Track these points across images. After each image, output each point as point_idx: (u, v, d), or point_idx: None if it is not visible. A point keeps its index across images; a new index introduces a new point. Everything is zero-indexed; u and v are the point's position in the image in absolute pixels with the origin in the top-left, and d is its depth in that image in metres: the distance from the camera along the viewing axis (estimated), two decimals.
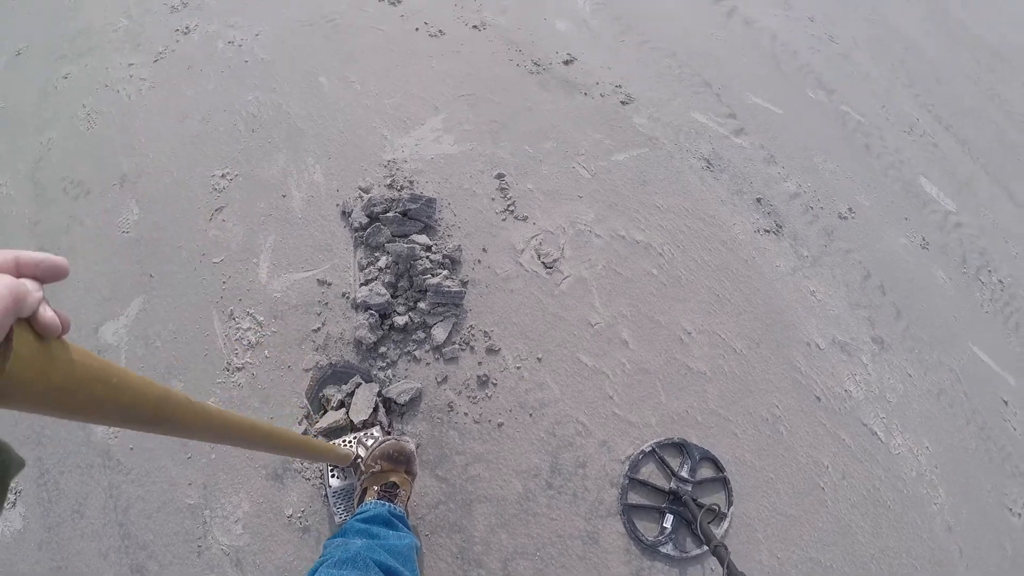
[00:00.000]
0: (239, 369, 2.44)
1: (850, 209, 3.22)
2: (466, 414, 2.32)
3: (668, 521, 2.26)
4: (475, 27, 3.54)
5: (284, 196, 2.82)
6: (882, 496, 2.47)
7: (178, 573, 2.22)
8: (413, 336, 2.39)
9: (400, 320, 2.38)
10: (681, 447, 2.36)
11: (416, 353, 2.39)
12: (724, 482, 2.36)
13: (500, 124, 3.05)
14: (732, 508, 2.32)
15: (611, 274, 2.65)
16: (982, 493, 2.62)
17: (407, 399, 2.29)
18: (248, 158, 3.00)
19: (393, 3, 3.66)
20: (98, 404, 0.64)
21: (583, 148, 3.02)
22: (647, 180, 2.98)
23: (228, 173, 2.95)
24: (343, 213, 2.72)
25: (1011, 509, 2.64)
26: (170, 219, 2.86)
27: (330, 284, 2.56)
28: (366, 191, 2.73)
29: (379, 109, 3.11)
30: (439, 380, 2.35)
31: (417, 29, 3.53)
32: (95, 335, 2.63)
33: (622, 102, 3.30)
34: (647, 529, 2.26)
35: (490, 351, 2.40)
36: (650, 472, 2.35)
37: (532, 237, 2.67)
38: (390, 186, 2.75)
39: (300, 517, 2.24)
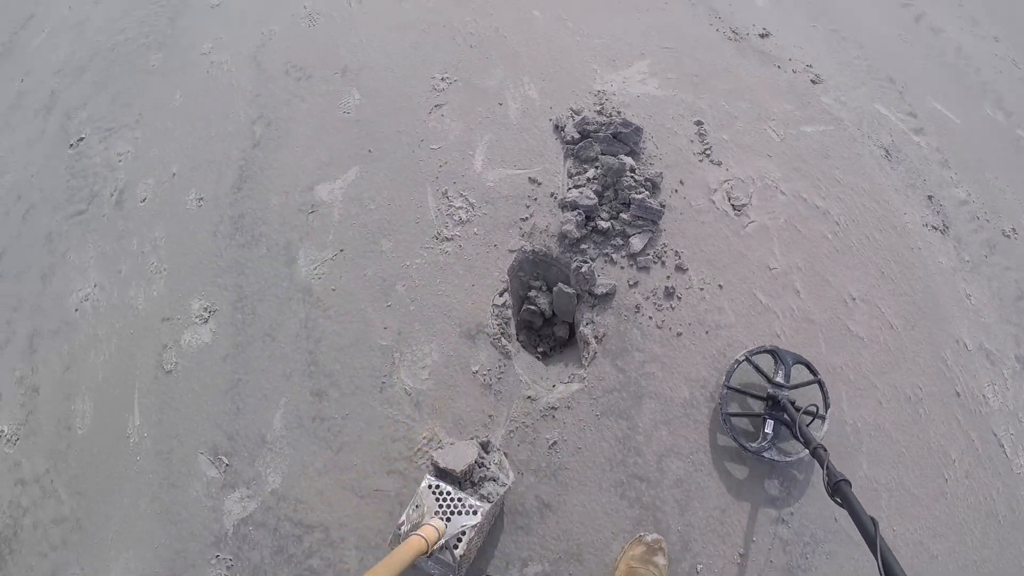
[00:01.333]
0: (448, 240, 2.74)
1: (1014, 229, 3.33)
2: (650, 318, 2.56)
3: (769, 427, 2.35)
4: None
5: (500, 104, 3.12)
6: (996, 508, 2.55)
7: (358, 402, 2.50)
8: (612, 241, 2.65)
9: (603, 224, 2.64)
10: (773, 353, 2.45)
11: (613, 256, 2.64)
12: (819, 385, 2.44)
13: (700, 79, 3.29)
14: (831, 410, 2.41)
15: (791, 229, 2.86)
16: None
17: (603, 292, 2.55)
18: (467, 67, 3.31)
19: None
20: None
21: (774, 114, 3.23)
22: (830, 155, 3.17)
23: (448, 77, 3.27)
24: (555, 127, 3.00)
25: None
26: (391, 108, 3.19)
27: (540, 183, 2.83)
28: (577, 112, 3.01)
29: (589, 46, 3.38)
30: (630, 283, 2.60)
31: None
32: (311, 192, 2.97)
33: (812, 81, 3.49)
34: (750, 436, 2.40)
35: (679, 268, 2.64)
36: (747, 382, 2.49)
37: (724, 181, 2.90)
38: (600, 112, 3.02)
39: (485, 375, 2.50)
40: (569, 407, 2.43)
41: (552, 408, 2.43)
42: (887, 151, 3.29)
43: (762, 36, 3.58)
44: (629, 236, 2.62)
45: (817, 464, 2.02)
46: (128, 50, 3.97)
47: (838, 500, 1.67)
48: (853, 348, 2.66)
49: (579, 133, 2.84)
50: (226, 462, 2.49)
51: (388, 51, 3.37)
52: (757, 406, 2.42)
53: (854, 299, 2.75)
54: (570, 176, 2.76)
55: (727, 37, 3.55)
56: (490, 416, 2.43)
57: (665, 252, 2.65)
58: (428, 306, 2.64)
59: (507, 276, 2.61)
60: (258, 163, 3.15)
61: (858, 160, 3.20)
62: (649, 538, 2.21)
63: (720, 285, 2.63)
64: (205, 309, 2.80)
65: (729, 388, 2.42)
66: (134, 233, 3.11)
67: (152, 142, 3.41)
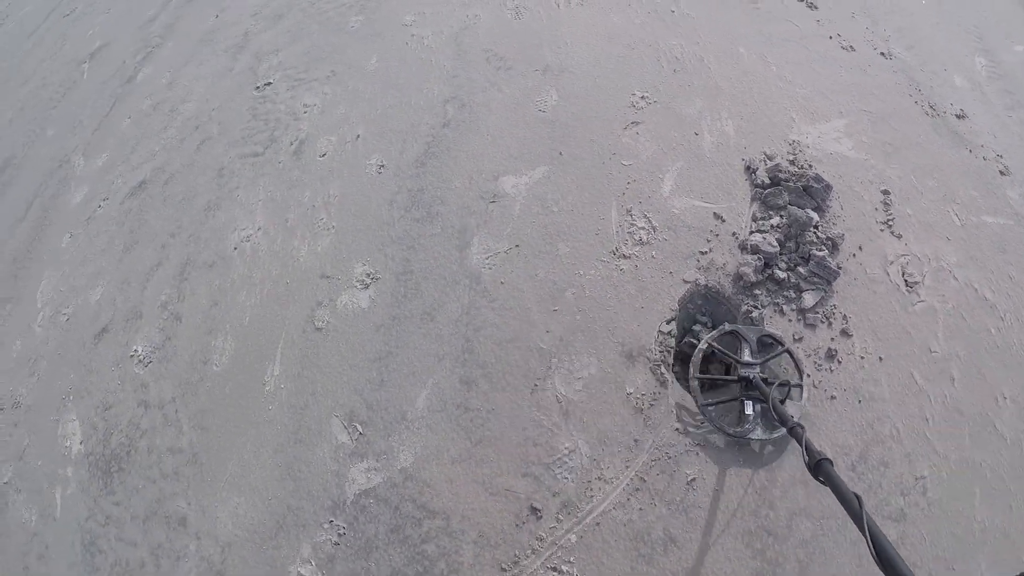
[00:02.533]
0: (625, 257, 2.90)
1: None
2: (808, 375, 2.68)
3: (749, 408, 2.36)
4: (882, 54, 3.81)
5: (696, 134, 3.26)
6: None
7: (506, 399, 2.57)
8: (785, 292, 2.78)
9: (780, 274, 2.77)
10: (734, 334, 2.47)
11: (784, 307, 2.77)
12: (789, 354, 2.47)
13: (893, 148, 3.35)
14: (807, 375, 2.43)
15: (957, 316, 2.92)
16: None
17: (769, 341, 2.69)
18: (667, 91, 3.45)
19: (811, 7, 3.98)
20: None
21: (959, 198, 3.27)
22: (1007, 250, 3.19)
23: (647, 97, 3.42)
24: (747, 168, 3.13)
25: None
26: (587, 114, 3.36)
27: (724, 220, 2.97)
28: (771, 157, 3.12)
29: (790, 94, 3.48)
30: (796, 338, 2.72)
31: (831, 37, 3.84)
32: (494, 181, 3.13)
33: (1000, 172, 3.49)
34: (730, 422, 2.42)
35: (844, 333, 2.75)
36: (717, 368, 2.53)
37: (901, 255, 2.97)
38: (792, 163, 3.13)
39: (639, 398, 2.60)
40: (714, 456, 2.51)
41: (698, 445, 2.52)
42: None
43: (958, 117, 3.60)
44: (803, 291, 2.74)
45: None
46: (328, 7, 4.21)
47: (820, 479, 1.66)
48: (995, 448, 2.69)
49: (770, 179, 2.96)
50: (360, 431, 2.59)
51: (591, 59, 3.54)
52: (731, 392, 2.45)
53: (1005, 398, 2.80)
54: (755, 219, 2.88)
55: (924, 111, 3.58)
56: (636, 440, 2.52)
57: (834, 314, 2.75)
58: (594, 319, 2.75)
59: (677, 305, 2.74)
60: (446, 143, 3.31)
61: None
62: None
63: (880, 358, 2.72)
64: (368, 275, 2.92)
65: (699, 378, 2.45)
66: (308, 185, 3.29)
67: (340, 100, 3.61)
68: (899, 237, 3.02)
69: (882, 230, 3.02)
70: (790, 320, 2.73)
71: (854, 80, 3.53)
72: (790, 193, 2.89)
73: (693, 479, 2.45)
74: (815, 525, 2.44)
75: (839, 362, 2.70)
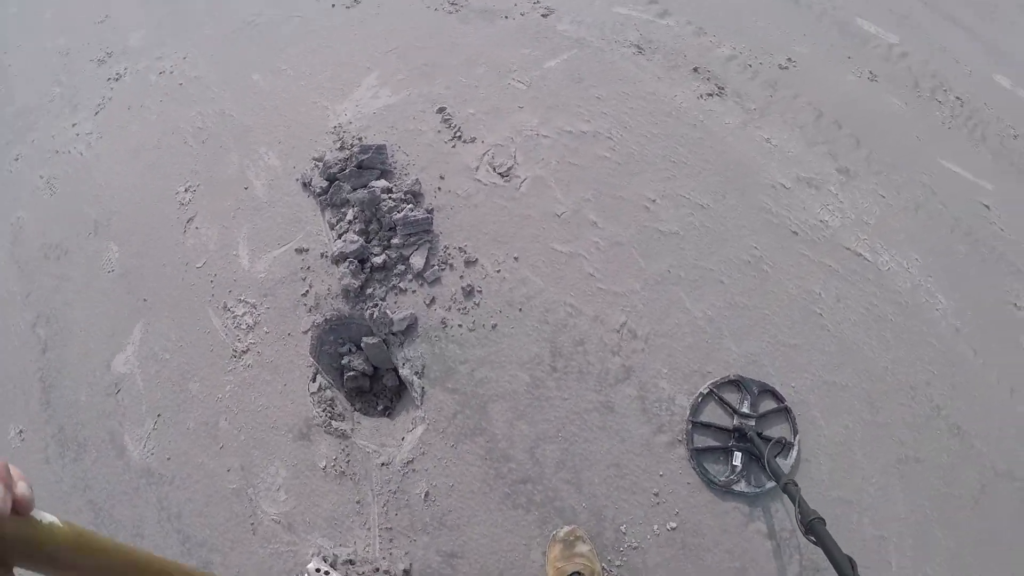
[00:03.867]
0: (244, 352, 2.61)
1: (789, 59, 3.31)
2: (460, 325, 2.46)
3: (737, 459, 2.27)
4: None
5: (247, 188, 3.00)
6: (882, 311, 2.55)
7: (241, 555, 2.35)
8: (394, 271, 2.54)
9: (378, 259, 2.53)
10: (738, 384, 2.37)
11: (401, 285, 2.54)
12: (786, 411, 2.36)
13: (431, 65, 3.19)
14: (798, 437, 2.33)
15: (566, 166, 2.78)
16: (982, 293, 2.69)
17: (404, 327, 2.44)
18: (205, 166, 3.18)
19: None
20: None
21: (514, 64, 3.15)
22: (582, 77, 3.09)
23: (190, 185, 3.13)
24: (304, 185, 2.89)
25: (1016, 304, 2.71)
26: (148, 244, 3.05)
27: (307, 250, 2.72)
28: (320, 159, 2.89)
29: (315, 85, 3.27)
30: (427, 302, 2.49)
31: (333, 6, 3.68)
32: (108, 371, 2.81)
33: (543, 16, 3.42)
34: (718, 471, 2.30)
35: (468, 263, 2.54)
36: (712, 414, 2.39)
37: (483, 154, 2.81)
38: (340, 148, 2.91)
39: (334, 465, 2.38)
40: (423, 453, 2.33)
41: (408, 463, 2.33)
42: (638, 47, 3.24)
43: None
44: (408, 257, 2.51)
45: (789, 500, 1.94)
46: None
47: (812, 539, 1.61)
48: (672, 247, 2.61)
49: (327, 180, 2.73)
50: None
51: (128, 186, 3.24)
52: (724, 438, 2.32)
53: (654, 201, 2.69)
54: (332, 227, 2.65)
55: (446, 12, 3.47)
56: (358, 502, 2.31)
57: (450, 254, 2.55)
58: (255, 428, 2.50)
59: (312, 359, 2.48)
60: (54, 367, 2.97)
61: (612, 69, 3.14)
62: (561, 533, 2.11)
63: (515, 258, 2.54)
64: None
65: (695, 423, 2.31)
66: None
67: None
68: (473, 140, 2.86)
69: (454, 145, 2.85)
70: (414, 292, 2.51)
71: (369, 30, 3.40)
72: (349, 180, 2.67)
73: (427, 493, 2.27)
74: (558, 444, 2.32)
75: (480, 291, 2.51)
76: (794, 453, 2.28)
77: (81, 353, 2.92)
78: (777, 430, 2.32)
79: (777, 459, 2.16)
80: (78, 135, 3.58)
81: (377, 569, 2.18)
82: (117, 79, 3.72)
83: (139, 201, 3.18)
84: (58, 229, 3.34)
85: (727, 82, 3.10)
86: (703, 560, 2.12)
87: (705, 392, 2.34)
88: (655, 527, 2.16)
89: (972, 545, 2.23)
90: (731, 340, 2.42)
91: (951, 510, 2.27)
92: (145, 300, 2.88)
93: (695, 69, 3.13)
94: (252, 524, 2.36)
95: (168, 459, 2.54)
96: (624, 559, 2.12)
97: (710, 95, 3.03)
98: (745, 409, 2.30)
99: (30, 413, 2.90)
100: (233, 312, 2.67)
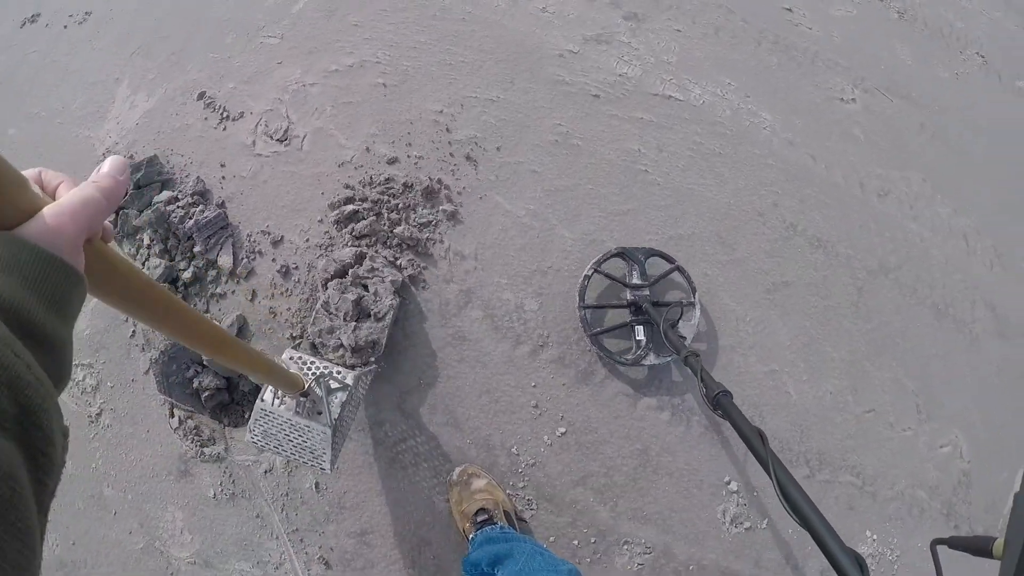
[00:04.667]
0: (99, 414, 2.54)
1: None
2: (288, 308, 2.39)
3: (640, 333, 2.22)
4: None
5: None
6: (708, 147, 2.55)
7: None
8: (208, 279, 2.46)
9: (187, 274, 2.45)
10: (621, 255, 2.29)
11: (219, 291, 2.46)
12: (679, 271, 2.31)
13: (178, 52, 2.99)
14: (698, 293, 2.29)
15: (342, 108, 2.66)
16: (806, 97, 2.71)
17: (235, 331, 2.38)
18: None
19: (33, 20, 3.49)
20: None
21: (261, 21, 2.96)
22: (334, 9, 2.93)
23: None
24: None
25: (842, 99, 2.72)
26: None
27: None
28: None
29: (72, 118, 3.05)
30: (250, 298, 2.43)
31: (65, 27, 3.39)
32: None
33: None
34: (623, 350, 2.26)
35: (275, 243, 2.47)
36: (602, 293, 2.35)
37: (255, 126, 2.67)
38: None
39: (222, 490, 2.38)
40: None
41: (287, 462, 2.32)
42: None
43: None
44: (216, 260, 2.41)
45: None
46: None
47: (719, 414, 1.56)
48: (479, 157, 2.57)
49: (114, 213, 2.56)
50: None
51: None
52: (620, 316, 2.26)
53: (441, 111, 2.61)
54: (134, 259, 2.51)
55: None
56: (258, 516, 2.33)
57: (255, 241, 2.47)
58: (137, 483, 2.48)
59: (163, 395, 2.43)
60: None
61: None
62: (455, 476, 2.15)
63: (319, 220, 2.45)
64: None
65: (585, 307, 2.24)
66: None
67: None
68: (241, 115, 2.72)
69: (224, 128, 2.75)
70: (234, 292, 2.46)
71: (105, 40, 3.18)
72: (131, 206, 2.56)
73: (316, 483, 2.28)
74: (412, 396, 2.31)
75: (296, 267, 2.40)
76: (696, 312, 2.25)
77: None
78: (674, 295, 2.30)
79: (680, 323, 2.15)
80: None
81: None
82: None
83: None
84: None
85: None
86: (603, 452, 2.18)
87: (590, 274, 2.27)
88: (545, 438, 2.21)
89: (864, 348, 2.31)
90: (563, 227, 2.39)
91: (834, 321, 2.35)
92: None
93: None
94: (171, 574, 2.37)
95: (73, 544, 2.51)
96: (526, 479, 2.18)
97: None
98: (636, 280, 2.24)
99: None
100: (73, 378, 2.56)
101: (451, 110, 2.57)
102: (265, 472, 2.32)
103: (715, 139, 2.56)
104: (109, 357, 2.54)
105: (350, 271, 2.28)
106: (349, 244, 2.37)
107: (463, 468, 2.16)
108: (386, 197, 2.43)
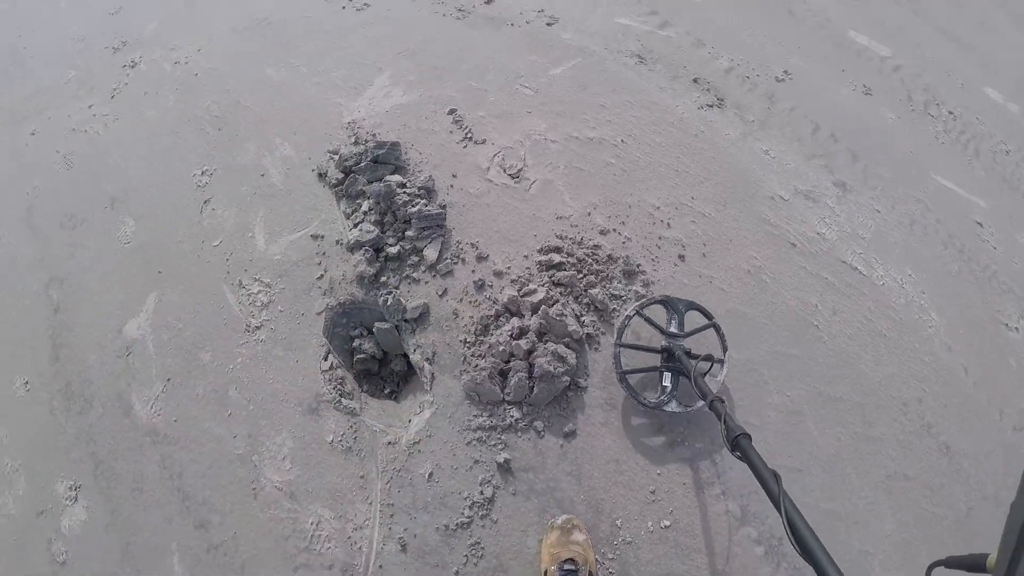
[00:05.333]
0: (258, 328, 2.73)
1: (786, 72, 3.52)
2: (471, 317, 2.60)
3: (667, 380, 2.38)
4: None
5: (263, 175, 3.12)
6: (876, 326, 2.71)
7: (240, 517, 2.46)
8: (408, 261, 2.69)
9: (393, 249, 2.68)
10: (664, 303, 2.39)
11: (414, 275, 2.68)
12: (715, 328, 2.48)
13: (441, 68, 3.35)
14: (729, 352, 2.45)
15: (573, 171, 2.95)
16: (975, 312, 2.85)
17: (417, 315, 2.59)
18: (222, 152, 3.30)
19: None
20: None
21: (521, 71, 3.32)
22: (587, 85, 3.28)
23: (207, 169, 3.25)
24: (319, 175, 3.02)
25: (1007, 324, 2.88)
26: (164, 222, 3.16)
27: (323, 236, 2.85)
28: (335, 152, 3.03)
29: (329, 82, 3.41)
30: (440, 293, 2.64)
31: (343, 8, 3.82)
32: (120, 335, 2.92)
33: (548, 24, 3.60)
34: (649, 393, 2.42)
35: (480, 258, 2.70)
36: (640, 335, 2.54)
37: (494, 155, 2.97)
38: (355, 143, 3.05)
39: (341, 440, 2.50)
40: (430, 435, 2.45)
41: (415, 443, 2.45)
42: (640, 57, 3.43)
43: (487, 2, 3.67)
44: (422, 250, 2.65)
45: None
46: None
47: (738, 455, 1.66)
48: (675, 253, 2.77)
49: (342, 172, 2.87)
50: None
51: (146, 166, 3.35)
52: (652, 360, 2.41)
53: (658, 208, 2.86)
54: (347, 217, 2.78)
55: (455, 19, 3.63)
56: (362, 476, 2.42)
57: (462, 249, 2.70)
58: (264, 399, 2.61)
59: (325, 338, 2.61)
60: (65, 327, 3.08)
61: (615, 78, 3.32)
62: (559, 521, 2.22)
63: (525, 255, 2.68)
64: (71, 488, 2.73)
65: (621, 345, 2.38)
66: None
67: None
68: (483, 142, 3.01)
69: (465, 146, 3.00)
70: (427, 283, 2.65)
71: (380, 32, 3.54)
72: (364, 173, 2.80)
73: (431, 473, 2.39)
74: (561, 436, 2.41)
75: (490, 286, 2.62)
76: (724, 370, 2.38)
77: (93, 316, 3.02)
78: (708, 348, 2.40)
79: (706, 377, 2.26)
80: (94, 116, 3.68)
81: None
82: (133, 66, 3.82)
83: (156, 181, 3.29)
84: (74, 201, 3.43)
85: (727, 94, 3.30)
86: (694, 560, 2.26)
87: (631, 315, 2.41)
88: (649, 524, 2.30)
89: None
90: (733, 349, 2.53)
91: (937, 531, 2.39)
92: (160, 272, 3.01)
93: (695, 80, 3.33)
94: (254, 489, 2.48)
95: (175, 421, 2.66)
96: (617, 552, 2.26)
97: (710, 106, 3.23)
98: (673, 329, 2.38)
99: (38, 367, 3.01)
100: (248, 290, 2.80)
101: (667, 209, 2.83)
102: (388, 443, 2.45)
103: (884, 321, 2.74)
104: (289, 286, 2.77)
105: (540, 308, 2.48)
106: (545, 285, 2.57)
107: (570, 517, 2.25)
108: (590, 260, 2.65)
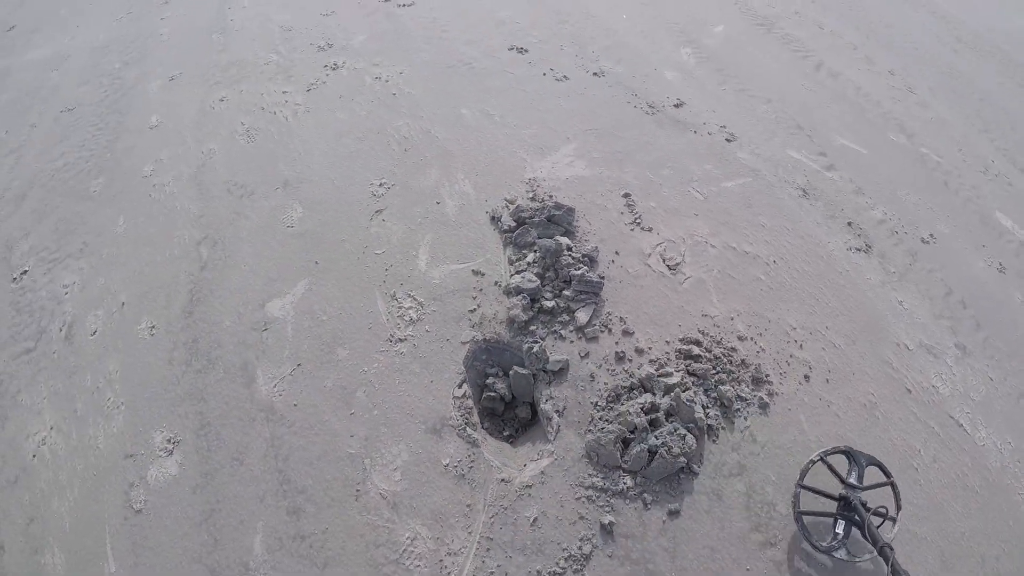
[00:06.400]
0: (401, 340, 2.93)
1: (931, 235, 3.66)
2: (605, 383, 2.77)
3: (840, 527, 2.44)
4: (595, 74, 4.17)
5: (438, 203, 3.41)
6: (970, 482, 2.74)
7: (335, 514, 2.53)
8: (559, 318, 2.89)
9: (548, 303, 2.88)
10: (847, 454, 2.49)
11: (562, 332, 2.87)
12: (892, 487, 2.54)
13: (623, 154, 3.62)
14: (901, 513, 2.50)
15: (725, 277, 3.13)
16: None
17: (557, 368, 2.77)
18: (403, 171, 3.61)
19: (521, 51, 4.33)
20: None
21: (696, 176, 3.56)
22: (752, 204, 3.49)
23: (386, 183, 3.56)
24: (492, 218, 3.28)
25: None
26: (333, 218, 3.44)
27: (483, 274, 3.07)
28: (512, 201, 3.30)
29: (518, 137, 3.72)
30: (582, 355, 2.81)
31: (544, 74, 4.18)
32: (261, 309, 3.13)
33: (727, 140, 3.85)
34: (820, 536, 2.48)
35: (625, 333, 2.87)
36: (818, 479, 2.59)
37: (657, 245, 3.18)
38: (532, 198, 3.32)
39: (456, 466, 2.60)
40: (543, 482, 2.55)
41: (527, 486, 2.54)
42: (804, 190, 3.62)
43: (676, 106, 3.95)
44: (574, 311, 2.85)
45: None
46: (68, 176, 4.15)
47: None
48: (802, 372, 2.86)
49: (515, 221, 3.11)
50: None
51: (326, 162, 3.67)
52: (829, 505, 2.51)
53: (795, 328, 2.99)
54: (511, 263, 3.00)
55: (644, 112, 3.91)
56: (468, 505, 2.51)
57: (611, 320, 2.87)
58: (391, 408, 2.75)
59: (463, 367, 2.79)
60: (207, 285, 3.29)
61: (779, 204, 3.51)
62: None
63: (667, 341, 2.84)
64: (169, 440, 2.82)
65: (803, 487, 2.49)
66: (87, 368, 3.15)
67: (98, 271, 3.52)
68: (650, 230, 3.22)
69: (632, 229, 3.21)
70: (572, 342, 2.81)
71: (575, 106, 3.83)
72: (536, 228, 3.04)
73: (535, 519, 2.46)
74: (663, 512, 2.48)
75: (630, 360, 2.78)
76: (895, 528, 2.42)
77: (239, 284, 3.23)
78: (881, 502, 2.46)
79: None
80: (287, 102, 4.07)
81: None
82: (334, 68, 4.24)
83: (333, 178, 3.61)
84: (247, 172, 3.75)
85: (875, 242, 3.45)
86: None
87: (816, 460, 2.50)
88: None
89: None
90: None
91: None
92: (317, 263, 3.24)
93: (849, 223, 3.50)
94: (358, 491, 2.56)
95: (295, 405, 2.79)
96: None
97: (858, 250, 3.38)
98: (852, 480, 2.46)
99: (168, 316, 3.18)
100: (400, 303, 3.02)
101: (802, 332, 2.96)
102: (502, 480, 2.55)
103: (978, 478, 2.75)
104: (440, 310, 2.97)
105: (674, 391, 2.62)
106: (680, 371, 2.72)
107: None
108: (725, 360, 2.79)
